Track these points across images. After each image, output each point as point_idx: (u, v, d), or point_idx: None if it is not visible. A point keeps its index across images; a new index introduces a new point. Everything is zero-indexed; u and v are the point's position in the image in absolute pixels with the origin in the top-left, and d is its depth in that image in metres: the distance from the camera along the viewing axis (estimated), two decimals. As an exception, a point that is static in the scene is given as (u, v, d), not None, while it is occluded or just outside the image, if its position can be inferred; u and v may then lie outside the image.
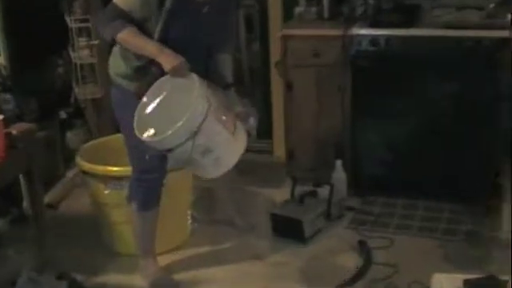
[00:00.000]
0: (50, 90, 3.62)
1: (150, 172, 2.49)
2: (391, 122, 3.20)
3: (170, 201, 2.68)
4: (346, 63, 3.19)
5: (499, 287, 1.99)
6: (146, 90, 2.29)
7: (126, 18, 2.25)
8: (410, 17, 3.17)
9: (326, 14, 3.44)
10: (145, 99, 2.28)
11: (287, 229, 2.99)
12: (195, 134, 2.14)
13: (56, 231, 2.99)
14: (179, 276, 2.74)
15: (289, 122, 3.47)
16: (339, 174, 3.25)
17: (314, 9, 3.47)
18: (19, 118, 3.00)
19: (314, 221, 3.00)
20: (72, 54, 3.63)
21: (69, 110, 3.75)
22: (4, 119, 2.44)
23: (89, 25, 3.58)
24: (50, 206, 3.30)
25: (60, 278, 2.58)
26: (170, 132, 2.14)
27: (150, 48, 2.26)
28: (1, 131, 2.39)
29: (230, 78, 2.51)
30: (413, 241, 2.92)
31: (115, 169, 2.78)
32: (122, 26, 2.26)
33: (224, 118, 2.27)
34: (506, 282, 1.98)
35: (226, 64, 2.52)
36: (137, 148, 2.37)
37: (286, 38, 3.32)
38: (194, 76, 2.24)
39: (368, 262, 2.73)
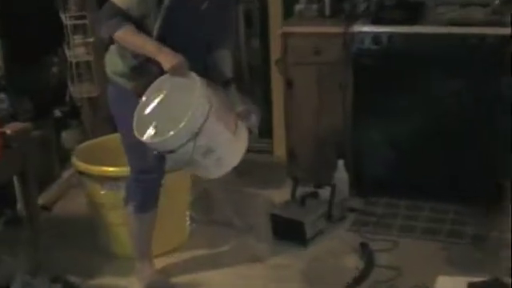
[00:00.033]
0: (45, 89, 3.62)
1: (148, 172, 2.49)
2: (394, 120, 3.20)
3: (167, 202, 2.68)
4: (347, 61, 3.19)
5: (504, 290, 1.99)
6: (144, 89, 2.29)
7: (124, 16, 2.25)
8: (413, 14, 3.17)
9: (327, 12, 3.44)
10: (144, 99, 2.28)
11: (288, 230, 2.99)
12: (197, 134, 2.14)
13: (51, 233, 3.00)
14: (176, 279, 2.74)
15: (289, 121, 3.47)
16: (341, 175, 3.25)
17: (314, 6, 3.48)
18: (13, 118, 3.00)
19: (315, 222, 2.99)
20: (67, 52, 3.63)
21: (64, 109, 3.75)
22: (-2, 119, 2.44)
23: (85, 22, 3.58)
24: (45, 207, 3.30)
25: (55, 280, 2.58)
26: (171, 133, 2.13)
27: (148, 47, 2.26)
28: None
29: (229, 74, 2.51)
30: (416, 243, 2.92)
31: (111, 169, 2.78)
32: (120, 24, 2.25)
33: (225, 117, 2.27)
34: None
35: (225, 60, 2.52)
36: (134, 148, 2.37)
37: (286, 36, 3.33)
38: (194, 75, 2.24)
39: (370, 264, 2.73)
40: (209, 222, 3.19)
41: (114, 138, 2.84)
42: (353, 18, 3.24)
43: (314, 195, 3.12)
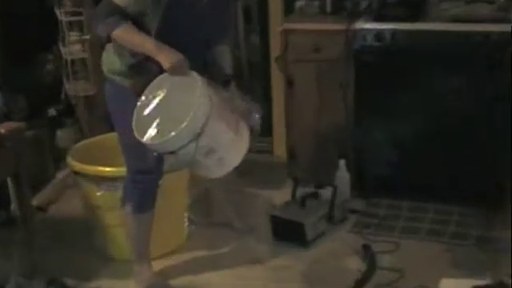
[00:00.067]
0: (40, 87, 3.62)
1: (146, 173, 2.49)
2: (397, 119, 3.21)
3: (165, 203, 2.68)
4: (349, 58, 3.20)
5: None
6: (143, 88, 2.29)
7: (122, 14, 2.25)
8: (416, 10, 3.18)
9: (328, 8, 3.45)
10: (143, 98, 2.28)
11: (288, 232, 2.99)
12: (199, 135, 2.14)
13: (46, 235, 3.00)
14: (175, 281, 2.75)
15: (290, 120, 3.48)
16: (342, 175, 3.25)
17: (316, 3, 3.49)
18: (7, 117, 3.01)
19: (316, 224, 3.00)
20: (62, 49, 3.63)
21: (59, 108, 3.75)
22: (-9, 118, 2.45)
23: (80, 18, 3.58)
24: (40, 208, 3.31)
25: (50, 283, 2.59)
26: (172, 134, 2.13)
27: (147, 45, 2.26)
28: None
29: (229, 71, 2.52)
30: (419, 245, 2.93)
31: (108, 169, 2.78)
32: (118, 22, 2.25)
33: (227, 116, 2.27)
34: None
35: (224, 56, 2.53)
36: (132, 147, 2.37)
37: (286, 33, 3.33)
38: (195, 74, 2.24)
39: (372, 266, 2.74)
40: (208, 223, 3.19)
41: (111, 138, 2.85)
42: (355, 15, 3.25)
43: (315, 196, 3.13)
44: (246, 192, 3.50)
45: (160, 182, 2.58)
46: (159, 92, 2.27)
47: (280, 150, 3.79)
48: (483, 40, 2.96)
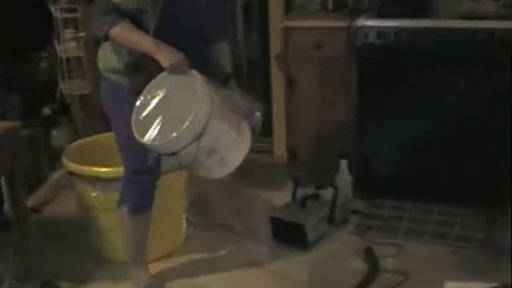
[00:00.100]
0: (34, 86, 3.62)
1: (144, 173, 2.49)
2: (400, 119, 3.21)
3: (163, 203, 2.68)
4: (350, 56, 3.20)
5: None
6: (140, 86, 2.29)
7: (120, 12, 2.25)
8: (419, 7, 3.18)
9: (329, 5, 3.46)
10: (142, 98, 2.27)
11: (288, 234, 2.99)
12: (200, 135, 2.13)
13: (40, 236, 3.00)
14: (172, 284, 2.74)
15: (290, 119, 3.48)
16: (344, 175, 3.25)
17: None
18: (1, 116, 3.00)
19: (317, 225, 3.00)
20: (57, 47, 3.63)
21: (54, 107, 3.75)
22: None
23: (76, 15, 3.58)
24: (34, 209, 3.31)
25: (45, 286, 2.59)
26: (173, 135, 2.13)
27: (146, 44, 2.26)
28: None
29: (229, 68, 2.52)
30: (423, 247, 2.92)
31: (103, 170, 2.78)
32: (116, 20, 2.25)
33: (228, 116, 2.27)
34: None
35: (223, 53, 2.53)
36: (129, 147, 2.37)
37: (287, 30, 3.33)
38: (195, 73, 2.23)
39: (374, 269, 2.73)
40: (206, 225, 3.19)
41: (107, 137, 2.84)
42: (357, 12, 3.25)
43: (316, 197, 3.13)
44: (246, 193, 3.50)
45: (158, 183, 2.58)
46: (158, 92, 2.27)
47: (280, 149, 3.79)
48: (488, 37, 2.96)
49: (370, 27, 3.16)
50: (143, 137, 2.18)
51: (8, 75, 3.36)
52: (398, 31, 3.11)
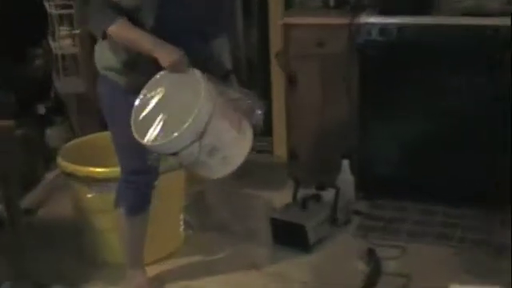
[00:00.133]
0: (28, 83, 3.61)
1: (141, 173, 2.49)
2: (403, 118, 3.21)
3: (160, 205, 2.68)
4: (352, 53, 3.20)
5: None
6: (138, 85, 2.28)
7: (117, 10, 2.25)
8: (422, 4, 3.18)
9: (331, 2, 3.46)
10: (141, 97, 2.27)
11: (288, 235, 2.99)
12: (202, 134, 2.13)
13: (35, 238, 2.99)
14: (171, 286, 2.74)
15: (291, 118, 3.48)
16: (346, 176, 3.25)
17: (318, -4, 3.50)
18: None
19: (318, 227, 3.00)
20: (52, 44, 3.63)
21: (48, 105, 3.74)
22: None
23: (71, 11, 3.57)
24: (28, 210, 3.30)
25: (39, 289, 2.59)
26: (175, 134, 2.12)
27: (144, 42, 2.25)
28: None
29: (228, 65, 2.51)
30: (426, 249, 2.92)
31: (99, 170, 2.77)
32: (113, 18, 2.24)
33: (229, 114, 2.27)
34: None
35: (223, 49, 2.53)
36: (126, 147, 2.37)
37: (287, 27, 3.33)
38: (195, 71, 2.23)
39: (377, 271, 2.73)
40: (205, 226, 3.19)
41: (104, 137, 2.84)
42: (359, 9, 3.26)
43: (317, 198, 3.12)
44: (245, 193, 3.50)
45: (156, 183, 2.57)
46: (158, 91, 2.26)
47: (280, 149, 3.79)
48: (493, 34, 2.96)
49: (373, 24, 3.16)
50: (143, 137, 2.18)
51: (1, 73, 3.36)
52: (401, 28, 3.11)
